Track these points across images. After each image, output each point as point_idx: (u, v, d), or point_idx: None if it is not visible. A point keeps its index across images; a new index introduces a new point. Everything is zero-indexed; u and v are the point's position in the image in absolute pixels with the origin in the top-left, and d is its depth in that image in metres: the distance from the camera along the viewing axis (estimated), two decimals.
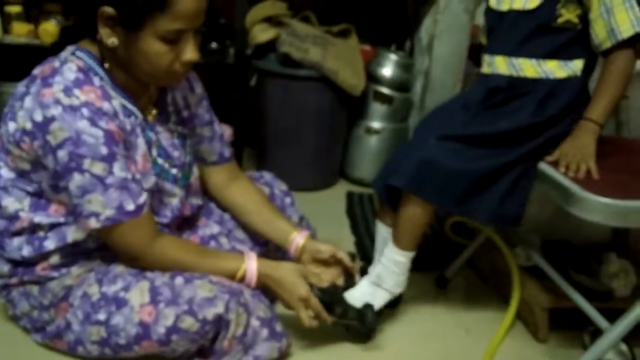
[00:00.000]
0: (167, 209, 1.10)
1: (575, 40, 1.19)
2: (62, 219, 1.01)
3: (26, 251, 1.01)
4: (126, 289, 1.00)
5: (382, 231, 1.36)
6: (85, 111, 0.90)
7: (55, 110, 0.88)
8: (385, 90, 2.20)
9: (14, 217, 1.00)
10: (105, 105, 0.93)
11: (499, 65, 1.27)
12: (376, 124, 2.24)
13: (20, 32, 1.93)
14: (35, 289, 1.06)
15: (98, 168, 0.91)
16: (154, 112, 1.08)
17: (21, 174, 0.99)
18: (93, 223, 0.95)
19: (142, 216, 0.98)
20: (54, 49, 0.99)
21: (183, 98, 1.16)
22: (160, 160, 1.07)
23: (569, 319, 1.36)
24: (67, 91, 0.90)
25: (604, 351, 1.13)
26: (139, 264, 1.04)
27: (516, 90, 1.24)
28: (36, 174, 0.97)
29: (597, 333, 1.20)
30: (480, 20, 1.96)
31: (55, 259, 1.03)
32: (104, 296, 1.00)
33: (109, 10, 0.89)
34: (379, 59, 2.22)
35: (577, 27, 1.17)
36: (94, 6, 0.89)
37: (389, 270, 1.24)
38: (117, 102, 0.97)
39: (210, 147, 1.22)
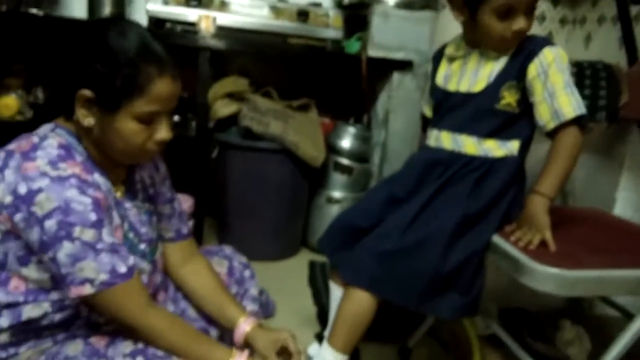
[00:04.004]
0: None
1: (512, 122, 1.25)
2: (20, 298, 0.98)
3: None
4: None
5: (336, 292, 1.35)
6: (73, 181, 0.91)
7: (42, 182, 0.89)
8: (345, 161, 2.27)
9: None
10: (90, 178, 0.96)
11: (444, 140, 1.33)
12: (337, 194, 2.29)
13: None
14: None
15: (88, 235, 0.91)
16: (122, 189, 1.10)
17: None
18: (87, 289, 0.93)
19: (134, 279, 0.98)
20: (27, 126, 1.01)
21: (149, 177, 1.18)
22: (130, 235, 1.07)
23: None
24: (52, 164, 0.91)
25: None
26: (138, 335, 1.00)
27: (454, 165, 1.28)
28: (4, 244, 0.95)
29: None
30: None
31: (4, 337, 0.99)
32: None
33: (87, 93, 0.93)
34: (338, 131, 2.31)
35: (515, 110, 1.24)
36: (72, 88, 0.93)
37: None
38: (97, 176, 1.00)
39: (168, 224, 1.23)
